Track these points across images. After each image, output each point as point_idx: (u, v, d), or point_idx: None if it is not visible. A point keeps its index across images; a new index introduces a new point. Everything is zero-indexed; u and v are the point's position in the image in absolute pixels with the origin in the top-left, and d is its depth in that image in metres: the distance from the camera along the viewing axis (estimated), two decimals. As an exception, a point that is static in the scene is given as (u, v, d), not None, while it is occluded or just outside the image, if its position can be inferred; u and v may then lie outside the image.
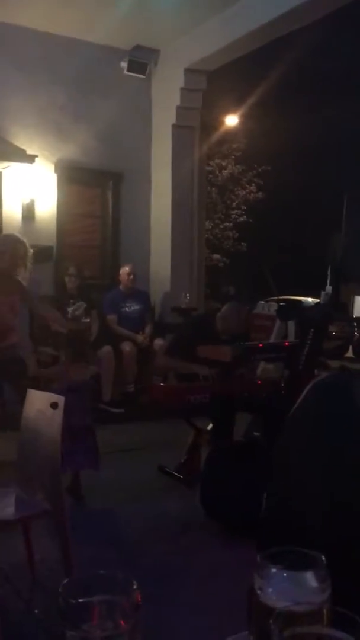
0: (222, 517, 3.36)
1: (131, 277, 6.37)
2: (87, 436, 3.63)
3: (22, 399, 2.78)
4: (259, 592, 0.69)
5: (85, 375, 3.92)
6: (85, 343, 4.07)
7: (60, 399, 2.54)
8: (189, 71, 6.68)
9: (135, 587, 0.62)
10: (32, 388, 2.83)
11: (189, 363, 4.04)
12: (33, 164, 6.26)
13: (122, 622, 0.59)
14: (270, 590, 0.69)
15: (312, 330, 4.04)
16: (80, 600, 0.60)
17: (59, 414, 2.50)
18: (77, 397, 3.49)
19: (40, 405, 2.66)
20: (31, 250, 4.54)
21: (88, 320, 5.95)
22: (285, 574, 0.70)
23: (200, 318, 5.11)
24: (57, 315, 4.73)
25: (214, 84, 7.09)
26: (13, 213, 6.35)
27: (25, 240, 4.54)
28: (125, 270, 6.44)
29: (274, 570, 0.70)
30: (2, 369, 4.18)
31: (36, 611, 2.34)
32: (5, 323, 4.31)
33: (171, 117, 6.86)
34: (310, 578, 0.69)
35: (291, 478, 1.51)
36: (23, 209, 6.38)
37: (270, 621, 0.60)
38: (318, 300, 11.78)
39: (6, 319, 4.32)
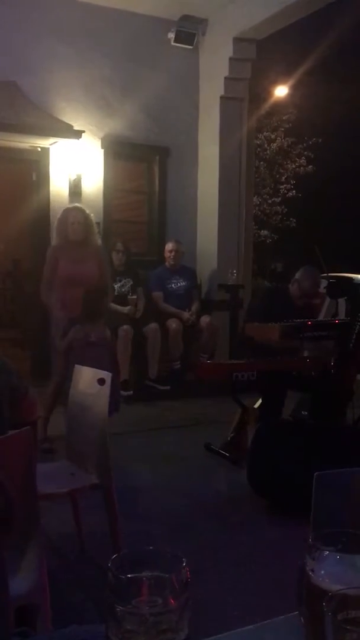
0: (270, 494, 3.35)
1: (172, 254, 6.33)
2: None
3: None
4: (310, 573, 0.68)
5: (103, 332, 4.04)
6: (101, 302, 4.16)
7: (107, 375, 2.56)
8: (237, 40, 6.51)
9: (184, 564, 0.61)
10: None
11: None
12: (80, 139, 6.27)
13: (171, 599, 0.59)
14: (322, 572, 0.68)
15: (364, 307, 3.93)
16: (130, 576, 0.60)
17: (105, 389, 2.53)
18: (97, 351, 3.64)
19: (87, 381, 2.69)
20: (92, 215, 4.77)
21: (135, 297, 5.99)
22: (338, 557, 0.69)
23: (274, 287, 5.14)
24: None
25: (263, 53, 6.89)
26: (60, 189, 6.40)
27: (85, 208, 4.80)
28: (167, 247, 6.41)
29: (326, 552, 0.69)
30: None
31: (84, 582, 2.40)
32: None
33: (219, 89, 6.73)
34: (364, 561, 0.68)
35: None
36: (70, 185, 6.41)
37: (323, 604, 0.59)
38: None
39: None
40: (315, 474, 1.29)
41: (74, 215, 4.65)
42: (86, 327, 4.00)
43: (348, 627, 0.56)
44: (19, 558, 1.66)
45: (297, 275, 4.33)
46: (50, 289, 4.57)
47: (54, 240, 4.75)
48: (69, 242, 4.62)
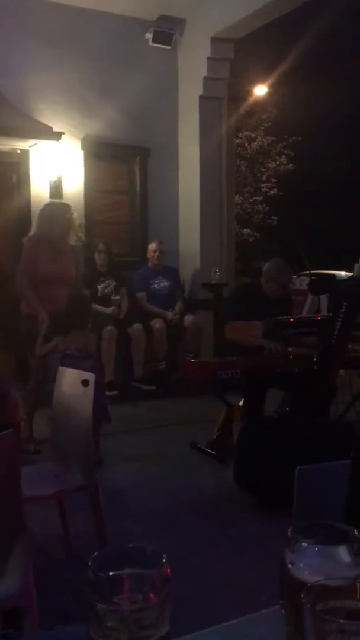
0: (256, 491, 3.37)
1: (156, 254, 6.33)
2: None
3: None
4: (290, 566, 0.69)
5: (84, 342, 3.89)
6: (84, 310, 4.02)
7: (91, 377, 2.56)
8: (215, 40, 6.52)
9: (164, 560, 0.61)
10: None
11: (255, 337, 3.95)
12: (60, 141, 6.24)
13: (151, 595, 0.59)
14: (301, 564, 0.68)
15: (345, 304, 3.96)
16: (110, 574, 0.60)
17: (90, 390, 2.53)
18: (75, 364, 3.51)
19: (72, 383, 2.69)
20: (75, 213, 4.64)
21: (118, 297, 5.97)
22: (316, 548, 0.69)
23: (247, 284, 5.08)
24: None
25: (241, 52, 6.92)
26: (41, 191, 6.35)
27: (71, 205, 4.72)
28: (151, 247, 6.41)
29: (305, 544, 0.69)
30: None
31: (71, 583, 2.39)
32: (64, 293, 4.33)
33: (198, 89, 6.73)
34: (343, 552, 0.68)
35: None
36: (51, 187, 6.37)
37: (302, 595, 0.60)
38: (352, 274, 11.57)
39: (64, 290, 4.34)
40: (297, 469, 1.30)
41: (64, 211, 4.51)
42: (66, 339, 3.84)
43: (326, 617, 0.56)
44: (5, 561, 1.65)
45: (266, 268, 4.27)
46: (28, 280, 4.34)
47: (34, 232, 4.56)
48: (50, 239, 4.45)
